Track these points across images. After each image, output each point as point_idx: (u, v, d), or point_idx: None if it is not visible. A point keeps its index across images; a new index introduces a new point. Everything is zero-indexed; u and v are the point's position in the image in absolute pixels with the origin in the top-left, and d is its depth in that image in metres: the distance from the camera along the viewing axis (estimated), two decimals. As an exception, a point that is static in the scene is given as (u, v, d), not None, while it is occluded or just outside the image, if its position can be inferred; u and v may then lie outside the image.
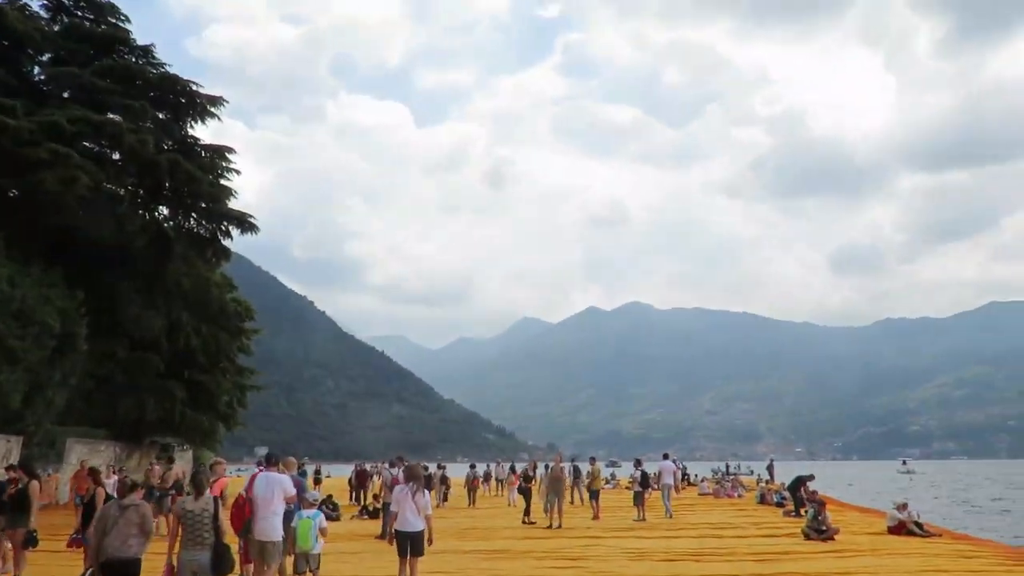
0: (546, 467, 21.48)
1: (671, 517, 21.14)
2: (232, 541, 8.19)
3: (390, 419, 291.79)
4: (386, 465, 20.89)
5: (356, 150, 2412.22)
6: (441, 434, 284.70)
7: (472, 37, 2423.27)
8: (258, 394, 45.16)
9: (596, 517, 21.08)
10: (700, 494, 34.38)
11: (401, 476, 16.89)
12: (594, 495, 22.24)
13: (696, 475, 46.48)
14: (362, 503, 25.19)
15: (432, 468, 31.22)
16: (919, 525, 17.40)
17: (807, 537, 16.13)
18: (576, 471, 28.46)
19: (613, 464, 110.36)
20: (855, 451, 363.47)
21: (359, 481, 28.95)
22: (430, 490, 30.74)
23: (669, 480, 22.36)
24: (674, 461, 40.34)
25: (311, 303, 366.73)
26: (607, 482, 45.63)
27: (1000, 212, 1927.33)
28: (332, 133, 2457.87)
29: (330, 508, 23.04)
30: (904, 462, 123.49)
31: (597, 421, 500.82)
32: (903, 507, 18.04)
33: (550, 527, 18.11)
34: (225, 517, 7.91)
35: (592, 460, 24.19)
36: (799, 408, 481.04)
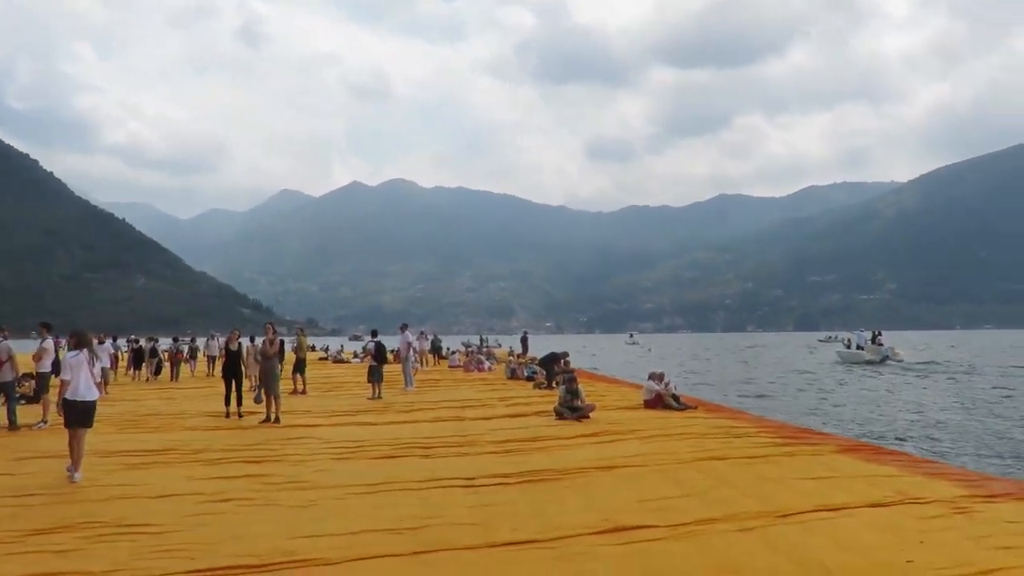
0: (251, 340, 17.61)
1: (408, 388, 20.57)
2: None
3: (134, 292, 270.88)
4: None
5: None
6: (191, 308, 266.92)
7: None
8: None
9: (298, 392, 19.42)
10: (450, 367, 32.73)
11: (54, 344, 12.46)
12: (299, 368, 19.84)
13: (448, 348, 44.90)
14: None
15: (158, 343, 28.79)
16: (676, 398, 15.89)
17: (560, 416, 13.93)
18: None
19: (356, 339, 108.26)
20: (597, 325, 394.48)
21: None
22: (140, 363, 26.50)
23: (406, 353, 21.90)
24: (423, 333, 38.28)
25: (35, 161, 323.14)
26: (355, 356, 43.00)
27: (733, 113, 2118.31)
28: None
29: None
30: (631, 335, 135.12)
31: (358, 296, 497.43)
32: (660, 378, 16.40)
33: (267, 420, 13.85)
34: None
35: (300, 331, 21.78)
36: (550, 286, 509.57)
